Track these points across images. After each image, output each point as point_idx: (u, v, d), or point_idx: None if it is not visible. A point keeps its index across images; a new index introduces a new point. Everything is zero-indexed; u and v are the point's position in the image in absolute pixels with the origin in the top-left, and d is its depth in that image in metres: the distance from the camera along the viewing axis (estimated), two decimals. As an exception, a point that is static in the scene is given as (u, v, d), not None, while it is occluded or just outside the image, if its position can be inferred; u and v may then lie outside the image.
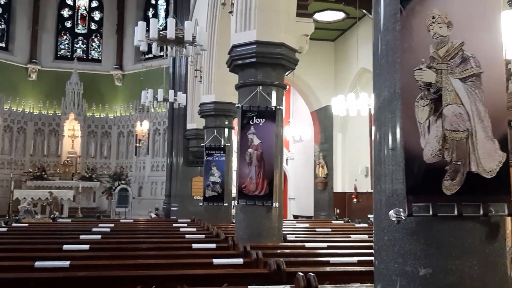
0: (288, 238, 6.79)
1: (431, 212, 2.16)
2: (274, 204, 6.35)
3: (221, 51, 10.20)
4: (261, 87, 6.54)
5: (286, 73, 6.89)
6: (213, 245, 5.80)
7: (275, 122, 6.45)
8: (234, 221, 10.19)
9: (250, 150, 6.41)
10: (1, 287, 3.43)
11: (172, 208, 16.48)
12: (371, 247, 5.80)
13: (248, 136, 6.45)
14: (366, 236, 7.32)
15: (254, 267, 4.49)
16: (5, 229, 8.00)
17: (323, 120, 15.58)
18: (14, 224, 8.90)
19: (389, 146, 2.36)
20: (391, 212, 2.23)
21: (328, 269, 4.27)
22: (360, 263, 4.57)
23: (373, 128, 2.54)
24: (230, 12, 6.71)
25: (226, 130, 10.87)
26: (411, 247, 2.23)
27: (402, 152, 2.24)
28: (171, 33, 7.05)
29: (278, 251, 5.65)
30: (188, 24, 7.45)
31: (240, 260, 4.57)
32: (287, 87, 7.28)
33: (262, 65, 6.58)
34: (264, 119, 6.44)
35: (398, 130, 2.32)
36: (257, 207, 6.35)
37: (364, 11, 10.91)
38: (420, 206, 2.17)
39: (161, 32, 7.16)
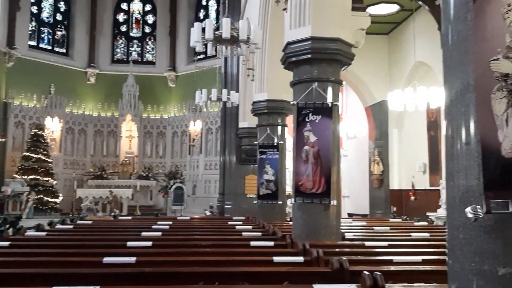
0: (346, 237, 6.68)
1: (510, 209, 2.05)
2: (332, 202, 6.26)
3: (273, 49, 10.19)
4: (316, 83, 6.46)
5: (342, 69, 6.78)
6: (271, 243, 5.80)
7: (331, 118, 6.36)
8: (289, 219, 10.22)
9: (306, 147, 6.36)
10: (72, 282, 3.58)
11: (226, 206, 16.66)
12: (435, 246, 5.63)
13: (304, 133, 6.39)
14: (427, 234, 7.08)
15: (315, 265, 4.44)
16: (71, 226, 8.40)
17: (378, 115, 15.22)
18: (78, 222, 9.31)
19: (462, 140, 2.26)
20: (468, 209, 2.13)
21: (392, 268, 4.16)
22: (424, 262, 4.43)
23: (444, 123, 2.44)
24: (284, 9, 6.68)
25: (279, 128, 10.85)
26: (489, 246, 2.12)
27: (478, 146, 2.14)
28: (226, 33, 7.12)
29: (338, 249, 5.57)
30: (242, 23, 7.49)
31: (300, 258, 4.54)
32: (343, 82, 7.16)
33: (318, 61, 6.50)
34: (320, 116, 6.37)
35: (472, 124, 2.21)
36: (314, 205, 6.29)
37: (420, 2, 10.60)
38: (499, 203, 2.06)
39: (216, 32, 7.25)
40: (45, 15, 23.77)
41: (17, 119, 20.87)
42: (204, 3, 24.69)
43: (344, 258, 3.99)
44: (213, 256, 4.87)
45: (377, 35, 15.08)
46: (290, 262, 4.47)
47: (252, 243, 5.78)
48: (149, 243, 5.53)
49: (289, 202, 10.78)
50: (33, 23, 23.07)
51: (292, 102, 6.72)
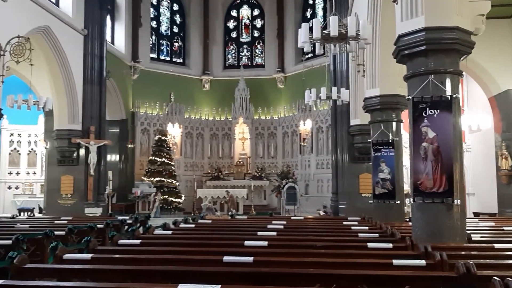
0: (472, 238, 6.20)
1: None
2: (455, 201, 5.86)
3: (384, 43, 9.83)
4: (433, 75, 6.09)
5: (461, 58, 6.30)
6: (390, 245, 5.59)
7: (451, 112, 5.95)
8: (408, 219, 9.76)
9: (424, 144, 6.02)
10: (196, 279, 3.78)
11: (340, 206, 16.44)
12: None
13: (421, 129, 6.06)
14: None
15: (438, 269, 4.19)
16: (193, 225, 8.90)
17: (504, 106, 13.87)
18: (199, 221, 9.84)
19: None
20: None
21: (529, 275, 3.75)
22: None
23: None
24: (395, 1, 6.40)
25: (394, 124, 10.41)
26: None
27: None
28: (334, 31, 7.02)
29: (463, 252, 5.20)
30: (350, 19, 7.33)
31: (422, 262, 4.31)
32: (463, 73, 6.65)
33: (433, 52, 6.12)
34: (438, 110, 5.99)
35: None
36: (435, 205, 5.93)
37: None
38: None
39: (323, 31, 7.18)
40: (163, 28, 25.58)
41: (143, 127, 22.72)
42: (310, 2, 24.65)
43: (471, 262, 3.71)
44: (329, 257, 4.82)
45: (498, 20, 13.75)
46: (411, 266, 4.27)
47: (370, 244, 5.62)
48: (265, 243, 5.65)
49: (408, 201, 10.31)
50: (153, 37, 24.95)
51: (407, 97, 6.40)
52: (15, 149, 20.37)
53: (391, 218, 9.70)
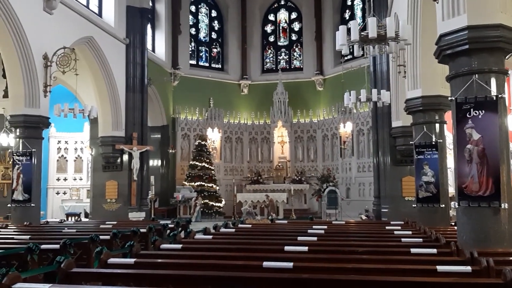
0: (522, 244, 5.93)
1: None
2: (502, 205, 5.63)
3: (426, 42, 9.60)
4: (476, 75, 5.90)
5: (507, 57, 6.07)
6: (434, 250, 5.42)
7: (497, 112, 5.74)
8: (453, 223, 9.45)
9: (469, 146, 5.83)
10: (236, 285, 3.80)
11: (382, 210, 16.13)
12: None
13: (465, 131, 5.87)
14: None
15: (484, 276, 4.03)
16: (233, 229, 8.95)
17: (555, 104, 13.25)
18: (240, 225, 9.88)
19: None
20: None
21: None
22: None
23: None
24: (435, 0, 6.24)
25: (437, 125, 10.13)
26: None
27: None
28: (372, 32, 6.92)
29: (511, 258, 4.99)
30: (389, 20, 7.20)
31: (467, 268, 4.16)
32: (508, 72, 6.40)
33: (477, 51, 5.93)
34: (483, 111, 5.79)
35: None
36: (482, 209, 5.73)
37: None
38: None
39: (362, 33, 7.09)
40: (202, 35, 25.98)
41: (184, 132, 23.12)
42: (349, 3, 24.39)
43: (520, 269, 3.54)
44: (371, 263, 4.73)
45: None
46: (456, 272, 4.12)
47: (413, 250, 5.48)
48: (305, 248, 5.60)
49: (453, 205, 9.99)
50: (192, 44, 25.37)
51: (450, 98, 6.22)
52: (62, 156, 21.15)
53: (435, 222, 9.44)
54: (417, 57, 10.18)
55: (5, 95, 16.83)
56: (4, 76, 15.88)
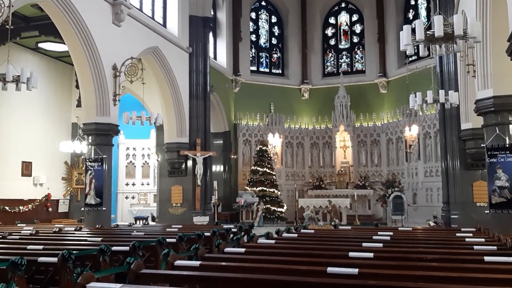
0: None
1: None
2: None
3: (496, 40, 9.10)
4: (556, 72, 5.50)
5: None
6: (510, 259, 5.09)
7: None
8: (531, 231, 8.84)
9: (548, 148, 5.43)
10: (300, 289, 3.76)
11: (452, 216, 15.42)
12: None
13: (544, 132, 5.48)
14: None
15: None
16: (296, 235, 8.90)
17: None
18: (302, 231, 9.81)
19: None
20: None
21: None
22: None
23: None
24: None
25: (511, 126, 9.55)
26: None
27: None
28: (439, 31, 6.64)
29: None
30: (456, 17, 6.88)
31: (549, 279, 3.87)
32: None
33: (555, 46, 5.54)
34: None
35: None
36: None
37: None
38: None
39: (427, 32, 6.83)
40: (262, 41, 26.20)
41: (245, 138, 23.37)
42: (412, 2, 23.65)
43: None
44: (441, 271, 4.52)
45: None
46: (537, 283, 3.85)
47: (487, 258, 5.18)
48: (371, 255, 5.46)
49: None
50: (253, 50, 25.66)
51: (525, 97, 5.84)
52: (130, 161, 22.07)
53: (511, 229, 8.87)
54: (487, 56, 9.66)
55: (78, 105, 17.89)
56: (77, 86, 16.91)
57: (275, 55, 26.36)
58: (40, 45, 17.09)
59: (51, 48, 17.36)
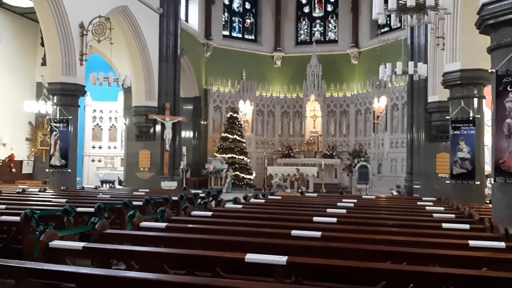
0: (561, 223, 5.74)
1: None
2: (541, 182, 5.44)
3: (467, 13, 9.20)
4: (520, 46, 5.63)
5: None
6: (466, 226, 5.32)
7: (541, 86, 5.49)
8: (488, 201, 9.23)
9: (508, 120, 5.62)
10: (263, 251, 3.83)
11: (414, 186, 15.90)
12: None
13: (505, 105, 5.65)
14: None
15: (520, 253, 3.93)
16: (263, 200, 9.03)
17: None
18: (269, 197, 9.95)
19: None
20: None
21: None
22: None
23: None
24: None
25: (475, 100, 9.81)
26: None
27: None
28: (411, 1, 6.65)
29: (549, 236, 4.83)
30: (429, -13, 6.90)
31: (501, 244, 4.06)
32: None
33: (522, 21, 5.64)
34: (526, 84, 5.54)
35: None
36: (519, 186, 5.55)
37: None
38: None
39: (400, 1, 6.83)
40: (235, 5, 25.69)
41: (216, 104, 23.19)
42: (387, -27, 23.54)
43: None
44: (401, 236, 4.68)
45: None
46: (489, 248, 4.03)
47: (445, 225, 5.40)
48: (334, 220, 5.61)
49: (488, 182, 9.74)
50: (226, 14, 25.16)
51: (490, 70, 5.98)
52: (97, 124, 21.65)
53: (469, 199, 9.24)
54: (457, 28, 9.79)
55: (44, 63, 17.26)
56: (42, 44, 16.27)
57: (248, 20, 25.95)
58: (4, 0, 16.29)
59: (16, 4, 16.59)
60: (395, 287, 3.10)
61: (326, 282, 3.41)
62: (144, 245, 3.93)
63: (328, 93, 23.63)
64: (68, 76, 12.82)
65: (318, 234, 4.34)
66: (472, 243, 4.08)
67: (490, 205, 6.91)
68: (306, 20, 26.17)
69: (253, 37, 25.86)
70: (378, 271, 3.11)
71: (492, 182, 5.97)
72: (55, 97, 13.03)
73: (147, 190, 11.83)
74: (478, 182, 9.55)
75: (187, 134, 21.63)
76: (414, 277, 2.97)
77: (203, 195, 10.60)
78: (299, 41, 26.09)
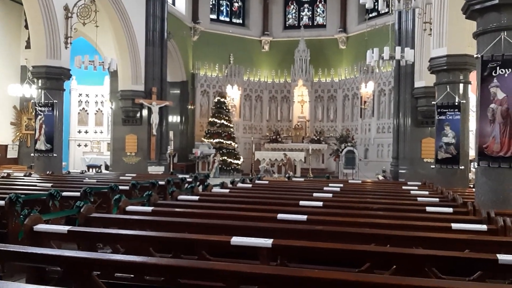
0: (541, 206, 5.86)
1: None
2: (524, 166, 5.53)
3: (454, -2, 9.23)
4: (505, 32, 5.68)
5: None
6: (450, 209, 5.41)
7: (525, 72, 5.54)
8: (471, 185, 9.38)
9: (492, 105, 5.68)
10: (250, 234, 3.85)
11: (400, 171, 16.07)
12: None
13: (490, 90, 5.71)
14: None
15: (500, 235, 4.01)
16: (250, 185, 9.05)
17: None
18: (257, 181, 9.98)
19: None
20: None
21: None
22: None
23: None
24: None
25: (461, 85, 9.90)
26: None
27: None
28: (398, -15, 6.65)
29: (530, 219, 4.93)
30: (416, -28, 6.90)
31: (483, 227, 4.14)
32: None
33: (508, 6, 5.67)
34: (510, 69, 5.60)
35: None
36: (502, 170, 5.65)
37: None
38: None
39: (387, -14, 6.82)
40: (223, -12, 25.42)
41: (203, 88, 23.04)
42: (375, -43, 23.44)
43: (538, 229, 3.51)
44: (385, 219, 4.75)
45: None
46: (471, 230, 4.11)
47: (428, 208, 5.47)
48: (320, 203, 5.65)
49: (472, 166, 9.89)
50: (214, -3, 24.89)
51: (475, 55, 6.03)
52: (83, 108, 21.42)
53: (454, 184, 9.39)
54: (444, 14, 9.82)
55: (28, 46, 16.94)
56: (26, 27, 15.96)
57: (236, 4, 25.67)
58: (-16, -20, 15.93)
59: (-4, -16, 16.23)
60: (379, 268, 3.16)
61: (311, 265, 3.44)
62: (130, 229, 3.93)
63: (316, 78, 23.61)
64: (52, 59, 12.63)
65: (304, 217, 4.37)
66: (455, 226, 4.15)
67: (474, 189, 7.01)
68: (294, 4, 26.00)
69: (241, 21, 25.64)
70: (362, 253, 3.15)
71: (476, 166, 6.06)
72: (39, 81, 12.85)
73: (134, 175, 11.78)
74: (462, 167, 9.69)
75: (174, 118, 21.51)
76: (397, 259, 3.02)
77: (190, 179, 10.59)
78: (287, 25, 25.94)
